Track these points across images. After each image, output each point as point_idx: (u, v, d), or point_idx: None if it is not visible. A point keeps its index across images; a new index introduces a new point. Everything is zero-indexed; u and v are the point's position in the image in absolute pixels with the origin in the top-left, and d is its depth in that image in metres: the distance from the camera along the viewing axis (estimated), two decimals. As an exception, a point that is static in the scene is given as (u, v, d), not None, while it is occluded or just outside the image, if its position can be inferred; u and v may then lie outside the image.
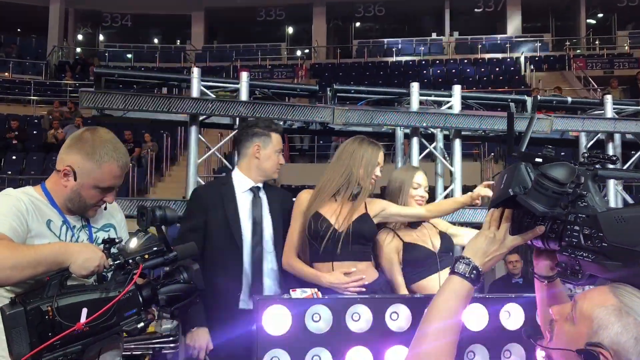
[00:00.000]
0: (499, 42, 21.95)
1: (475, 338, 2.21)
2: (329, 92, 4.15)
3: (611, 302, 1.25)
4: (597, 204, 1.39)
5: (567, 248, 1.39)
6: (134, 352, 4.59)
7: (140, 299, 1.90)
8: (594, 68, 19.18)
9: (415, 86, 4.16)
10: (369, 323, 2.14)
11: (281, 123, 4.28)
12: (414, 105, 4.11)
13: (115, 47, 22.94)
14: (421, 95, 4.18)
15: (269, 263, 2.92)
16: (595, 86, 16.71)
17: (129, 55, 22.21)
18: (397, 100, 4.36)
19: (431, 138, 4.39)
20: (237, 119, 3.91)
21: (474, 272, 1.42)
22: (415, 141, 4.10)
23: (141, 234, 2.04)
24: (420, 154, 4.17)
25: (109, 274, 1.93)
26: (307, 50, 23.14)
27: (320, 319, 2.13)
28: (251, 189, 2.97)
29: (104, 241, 1.92)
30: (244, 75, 3.89)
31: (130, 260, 1.88)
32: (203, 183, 3.89)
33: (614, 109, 4.47)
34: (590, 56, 20.47)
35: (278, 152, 3.02)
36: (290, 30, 24.74)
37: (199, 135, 3.85)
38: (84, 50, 23.43)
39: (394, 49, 21.82)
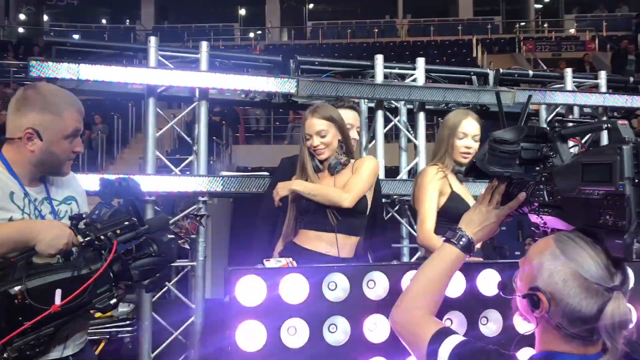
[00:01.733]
0: (451, 24, 22.16)
1: (453, 305, 2.17)
2: (291, 65, 4.04)
3: (548, 248, 1.31)
4: (563, 162, 1.45)
5: (537, 208, 1.48)
6: (89, 337, 4.44)
7: (112, 274, 1.81)
8: (543, 50, 19.61)
9: (379, 58, 4.10)
10: (346, 292, 2.07)
11: (243, 96, 4.19)
12: (379, 77, 4.05)
13: (61, 27, 22.06)
14: (385, 68, 4.12)
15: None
16: (545, 68, 17.06)
17: (76, 36, 21.37)
18: (361, 73, 4.29)
19: (395, 113, 4.35)
20: (197, 91, 3.76)
21: (464, 239, 1.52)
22: (380, 114, 4.05)
23: (105, 208, 1.94)
24: (384, 127, 4.13)
25: (74, 250, 1.83)
26: (260, 32, 22.81)
27: (295, 289, 2.05)
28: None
29: (71, 217, 1.83)
30: (204, 45, 3.74)
31: (102, 237, 1.77)
32: (164, 159, 3.76)
33: (573, 82, 4.51)
34: (539, 39, 20.91)
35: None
36: (243, 11, 24.33)
37: (157, 109, 3.70)
38: (28, 30, 22.44)
39: (348, 31, 21.76)
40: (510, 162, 1.48)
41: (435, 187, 2.76)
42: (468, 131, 2.81)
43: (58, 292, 1.66)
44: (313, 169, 2.74)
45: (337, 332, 2.08)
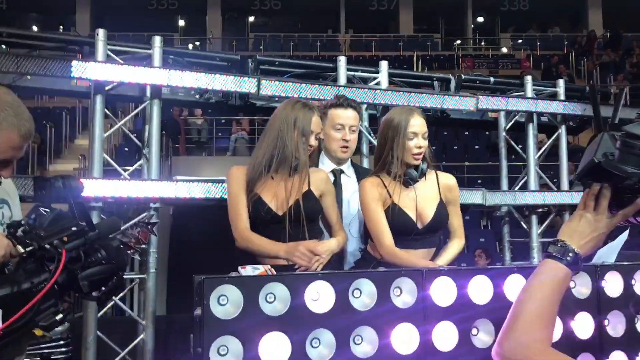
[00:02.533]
0: (392, 40, 22.46)
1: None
2: (250, 64, 3.83)
3: None
4: None
5: None
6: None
7: (56, 287, 1.53)
8: (481, 67, 20.07)
9: (342, 60, 3.95)
10: (331, 302, 1.87)
11: (197, 96, 3.94)
12: (342, 79, 3.89)
13: (-9, 27, 20.89)
14: (348, 70, 3.97)
15: (352, 246, 2.75)
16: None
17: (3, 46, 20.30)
18: (322, 75, 4.12)
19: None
20: (148, 89, 3.48)
21: (570, 255, 1.30)
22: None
23: (43, 211, 1.66)
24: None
25: (10, 262, 1.54)
26: (199, 42, 22.36)
27: (275, 299, 1.83)
28: (332, 172, 2.82)
29: (8, 225, 1.56)
30: (157, 40, 3.48)
31: (47, 245, 1.49)
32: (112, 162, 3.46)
33: (533, 90, 4.50)
34: (477, 56, 21.45)
35: (337, 129, 2.77)
36: (182, 22, 23.83)
37: (105, 109, 3.40)
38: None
39: (290, 44, 21.67)
40: None
41: (374, 199, 2.57)
42: (418, 130, 2.57)
43: None
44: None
45: (320, 346, 1.88)
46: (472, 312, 2.00)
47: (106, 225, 1.71)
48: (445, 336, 1.97)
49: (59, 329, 4.24)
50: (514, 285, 2.04)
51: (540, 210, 4.38)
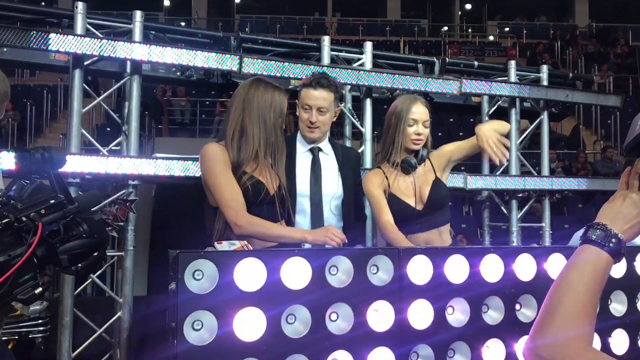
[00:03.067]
0: (379, 24, 22.38)
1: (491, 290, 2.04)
2: (233, 42, 3.78)
3: None
4: None
5: None
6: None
7: (35, 260, 1.50)
8: (467, 54, 20.10)
9: (326, 40, 3.92)
10: (307, 278, 1.86)
11: (179, 73, 3.88)
12: (325, 59, 3.86)
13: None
14: (332, 50, 3.94)
15: (329, 223, 2.68)
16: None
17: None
18: (306, 55, 4.08)
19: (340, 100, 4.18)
20: (128, 65, 3.43)
21: (613, 240, 1.15)
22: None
23: (22, 183, 1.62)
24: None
25: None
26: (184, 23, 22.09)
27: (252, 275, 1.82)
28: (311, 150, 2.83)
29: None
30: (138, 15, 3.42)
31: (24, 218, 1.46)
32: (89, 137, 3.41)
33: (516, 75, 4.50)
34: (463, 43, 21.47)
35: (304, 109, 2.75)
36: (167, 1, 23.51)
37: (85, 86, 3.34)
38: None
39: (277, 26, 21.49)
40: None
41: (375, 185, 2.74)
42: (418, 117, 2.74)
43: None
44: None
45: (296, 322, 1.87)
46: (447, 290, 2.01)
47: (86, 199, 1.67)
48: (421, 314, 1.97)
49: (37, 307, 4.23)
50: (490, 265, 2.05)
51: (520, 195, 4.41)
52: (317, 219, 2.70)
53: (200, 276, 1.77)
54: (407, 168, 2.76)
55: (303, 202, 2.71)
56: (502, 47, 20.83)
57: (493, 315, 2.07)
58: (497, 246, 2.17)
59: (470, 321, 2.02)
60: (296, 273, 1.86)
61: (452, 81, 4.08)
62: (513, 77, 4.44)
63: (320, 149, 2.83)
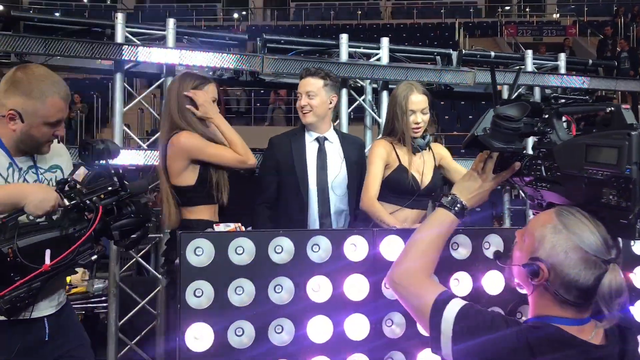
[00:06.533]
0: (434, 7, 22.18)
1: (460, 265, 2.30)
2: (258, 42, 4.13)
3: (551, 222, 1.39)
4: (560, 139, 1.52)
5: (532, 181, 1.54)
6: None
7: (93, 234, 1.92)
8: (525, 35, 19.74)
9: (344, 37, 4.20)
10: (291, 254, 2.19)
11: (211, 73, 4.27)
12: (343, 56, 4.15)
13: (40, 5, 21.79)
14: (350, 47, 4.22)
15: (335, 207, 3.05)
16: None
17: (57, 14, 21.11)
18: (327, 52, 4.38)
19: (361, 92, 4.46)
20: (164, 67, 3.84)
21: (458, 205, 1.60)
22: (344, 92, 4.16)
23: (85, 170, 2.05)
24: (349, 106, 4.24)
25: (58, 211, 1.94)
26: (244, 12, 22.66)
27: (243, 252, 2.17)
28: (317, 139, 3.10)
29: (57, 182, 1.94)
30: (171, 22, 3.82)
31: (88, 201, 1.89)
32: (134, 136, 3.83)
33: (534, 64, 4.65)
34: (520, 23, 21.02)
35: (298, 97, 3.10)
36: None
37: (125, 84, 3.78)
38: (6, 7, 22.05)
39: (331, 12, 21.70)
40: (513, 138, 1.50)
41: (381, 158, 2.93)
42: (416, 107, 2.94)
43: (48, 252, 1.78)
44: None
45: (282, 292, 2.21)
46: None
47: (136, 187, 2.09)
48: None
49: (100, 285, 4.75)
50: (460, 244, 2.32)
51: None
52: (323, 203, 3.03)
53: (200, 252, 2.13)
54: (417, 148, 2.99)
55: (311, 188, 3.04)
56: (562, 26, 20.29)
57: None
58: (465, 227, 2.43)
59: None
60: (281, 250, 2.20)
61: (466, 72, 4.28)
62: (530, 66, 4.59)
63: (326, 138, 3.12)
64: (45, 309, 2.11)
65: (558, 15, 21.72)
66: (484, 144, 1.53)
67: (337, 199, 3.07)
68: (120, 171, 2.04)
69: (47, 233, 1.82)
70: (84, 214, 1.92)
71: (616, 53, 14.28)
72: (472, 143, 1.58)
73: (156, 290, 3.84)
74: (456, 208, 1.60)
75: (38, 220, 1.91)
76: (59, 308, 2.19)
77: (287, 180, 3.03)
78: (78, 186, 1.95)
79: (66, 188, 1.92)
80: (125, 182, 1.98)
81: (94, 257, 1.93)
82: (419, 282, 1.52)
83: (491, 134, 1.52)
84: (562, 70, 4.64)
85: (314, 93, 3.03)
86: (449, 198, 1.61)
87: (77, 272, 4.55)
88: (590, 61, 4.97)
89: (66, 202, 1.87)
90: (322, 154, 3.08)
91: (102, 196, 1.92)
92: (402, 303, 1.57)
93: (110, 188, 1.94)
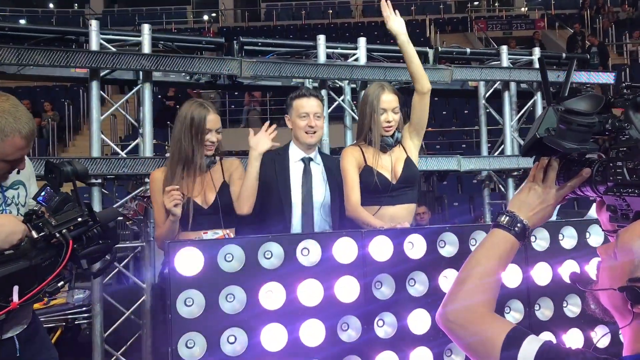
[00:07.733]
0: (404, 4, 22.32)
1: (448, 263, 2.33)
2: (235, 46, 4.10)
3: None
4: None
5: (613, 188, 1.26)
6: (46, 325, 4.46)
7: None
8: (494, 29, 19.97)
9: (321, 38, 4.20)
10: (281, 259, 2.19)
11: (188, 78, 4.24)
12: (321, 57, 4.15)
13: (5, 12, 21.37)
14: (327, 48, 4.22)
15: (319, 227, 3.02)
16: (496, 47, 17.36)
17: (22, 21, 20.73)
18: (305, 53, 4.38)
19: (340, 92, 4.46)
20: (141, 74, 3.80)
21: (518, 225, 1.33)
22: (323, 93, 4.15)
23: (50, 191, 1.99)
24: (329, 107, 4.24)
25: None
26: (214, 14, 22.54)
27: (232, 259, 2.16)
28: (302, 160, 3.08)
29: (26, 214, 1.87)
30: (146, 28, 3.77)
31: (57, 234, 1.83)
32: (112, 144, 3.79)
33: (509, 59, 4.70)
34: (490, 18, 21.29)
35: (301, 117, 3.02)
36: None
37: (101, 92, 3.72)
38: (-30, 15, 21.64)
39: (302, 12, 21.70)
40: (586, 136, 1.27)
41: (352, 164, 2.96)
42: (387, 106, 2.97)
43: (15, 289, 1.72)
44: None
45: (273, 295, 2.20)
46: (407, 266, 2.31)
47: (106, 215, 2.03)
48: (384, 286, 2.29)
49: (81, 295, 4.67)
50: (447, 242, 2.35)
51: (515, 173, 4.63)
52: (307, 224, 3.00)
53: (188, 261, 2.12)
54: (385, 147, 3.02)
55: (294, 208, 3.01)
56: (530, 19, 20.59)
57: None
58: (453, 225, 2.46)
59: (429, 292, 2.32)
60: (271, 255, 2.19)
61: (444, 69, 4.32)
62: (505, 61, 4.64)
63: (311, 159, 3.10)
64: (15, 328, 2.07)
65: (526, 9, 22.05)
66: (551, 147, 1.30)
67: (321, 220, 3.06)
68: (90, 204, 1.99)
69: (14, 265, 1.76)
70: (51, 242, 1.86)
71: (586, 48, 14.51)
72: (533, 147, 1.36)
73: (140, 300, 3.80)
74: (516, 229, 1.33)
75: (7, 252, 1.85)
76: (27, 324, 2.15)
77: (270, 200, 3.00)
78: (46, 215, 1.88)
79: (34, 216, 1.86)
80: (94, 212, 1.91)
81: (60, 283, 1.87)
82: (480, 319, 1.25)
83: (559, 133, 1.29)
84: (537, 65, 4.70)
85: (320, 114, 3.05)
86: (506, 217, 1.34)
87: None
88: (564, 55, 5.06)
89: (34, 235, 1.81)
90: (307, 175, 3.06)
91: (72, 228, 1.86)
92: (458, 344, 1.29)
93: (80, 219, 1.87)
